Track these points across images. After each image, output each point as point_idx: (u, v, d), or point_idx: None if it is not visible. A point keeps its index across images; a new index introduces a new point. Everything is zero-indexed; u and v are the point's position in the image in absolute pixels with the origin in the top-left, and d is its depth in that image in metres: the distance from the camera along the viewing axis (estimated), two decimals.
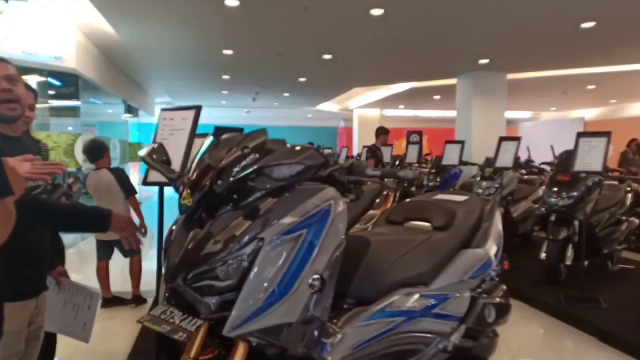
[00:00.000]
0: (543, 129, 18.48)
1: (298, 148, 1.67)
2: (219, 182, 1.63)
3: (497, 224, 2.60)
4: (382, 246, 2.23)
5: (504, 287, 2.73)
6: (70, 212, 1.92)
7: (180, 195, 1.69)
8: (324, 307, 1.73)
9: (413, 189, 7.97)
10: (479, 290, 2.53)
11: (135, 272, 4.74)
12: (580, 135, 4.69)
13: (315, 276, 1.69)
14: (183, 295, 1.62)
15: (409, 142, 10.42)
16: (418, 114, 19.60)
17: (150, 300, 4.75)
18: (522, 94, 13.50)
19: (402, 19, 6.46)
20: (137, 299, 4.74)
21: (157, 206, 2.70)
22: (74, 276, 6.28)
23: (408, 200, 2.86)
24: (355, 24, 6.69)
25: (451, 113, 18.06)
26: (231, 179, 1.62)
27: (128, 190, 4.65)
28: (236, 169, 1.64)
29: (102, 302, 4.57)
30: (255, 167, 1.57)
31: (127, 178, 4.75)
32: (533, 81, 11.39)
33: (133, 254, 4.76)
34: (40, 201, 1.87)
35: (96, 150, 4.69)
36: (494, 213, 2.61)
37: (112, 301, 4.69)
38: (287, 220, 1.64)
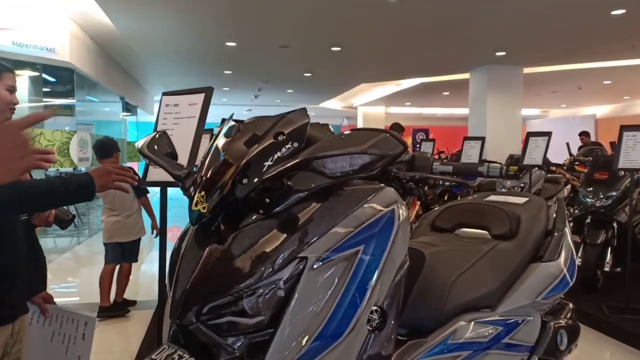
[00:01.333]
0: (552, 126, 18.02)
1: (356, 132, 1.22)
2: (245, 181, 1.19)
3: (569, 232, 2.16)
4: (439, 261, 1.79)
5: (571, 305, 2.30)
6: (48, 191, 1.56)
7: (191, 199, 1.24)
8: (385, 350, 1.29)
9: (426, 188, 7.52)
10: (546, 310, 2.11)
11: (123, 279, 4.44)
12: (623, 128, 4.25)
13: (374, 308, 1.25)
14: (195, 334, 1.19)
15: (421, 140, 9.98)
16: (423, 111, 19.19)
17: (144, 315, 4.30)
18: (534, 90, 13.09)
19: (419, 5, 6.04)
20: (118, 306, 4.40)
21: (159, 210, 2.26)
22: (70, 281, 5.87)
23: (456, 202, 2.41)
24: (369, 11, 6.27)
25: (458, 110, 17.70)
26: (256, 178, 1.19)
27: (140, 190, 4.34)
28: (268, 163, 1.20)
29: (99, 312, 4.25)
30: (300, 159, 1.12)
31: (138, 177, 4.39)
32: (547, 76, 11.01)
33: (131, 260, 4.46)
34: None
35: (106, 149, 4.43)
36: (564, 218, 2.17)
37: (110, 310, 4.32)
38: (338, 232, 1.21)
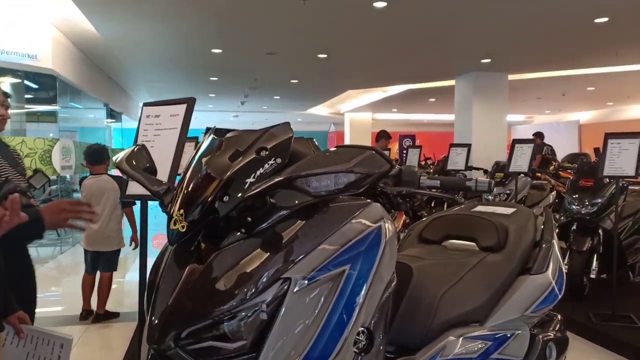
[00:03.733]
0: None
1: (341, 149, 1.18)
2: (226, 198, 1.15)
3: (557, 242, 2.14)
4: (427, 275, 1.75)
5: (559, 316, 2.28)
6: None
7: (170, 216, 1.20)
8: None
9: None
10: (534, 323, 2.08)
11: (104, 289, 4.42)
12: (608, 136, 4.27)
13: (361, 329, 1.21)
14: None
15: (407, 147, 10.00)
16: (410, 117, 19.26)
17: (128, 327, 4.21)
18: (519, 96, 13.20)
19: (406, 13, 6.04)
20: (101, 317, 4.40)
21: (140, 225, 2.20)
22: (53, 290, 5.88)
23: (444, 212, 2.39)
24: (356, 18, 6.26)
25: (444, 116, 17.78)
26: (237, 195, 1.15)
27: (127, 200, 4.32)
28: (250, 180, 1.16)
29: (81, 315, 4.39)
30: (283, 177, 1.08)
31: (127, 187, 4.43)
32: (532, 82, 11.10)
33: (111, 270, 4.46)
34: None
35: (97, 156, 4.51)
36: (552, 229, 2.15)
37: (89, 313, 4.42)
38: (323, 251, 1.16)
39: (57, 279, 6.67)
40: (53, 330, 1.88)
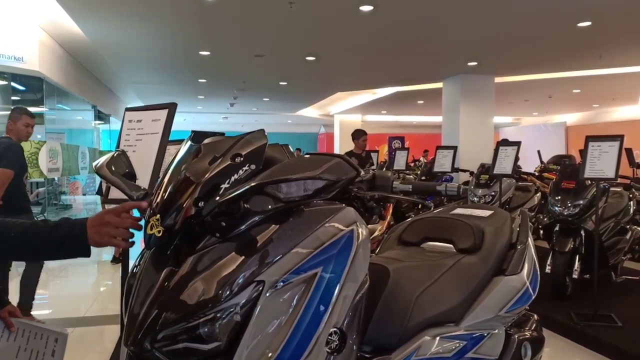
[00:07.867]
0: (525, 134, 18.40)
1: (311, 157, 1.21)
2: (201, 203, 1.18)
3: (532, 244, 2.19)
4: (403, 276, 1.79)
5: (536, 316, 2.34)
6: (25, 234, 1.28)
7: (147, 221, 1.23)
8: None
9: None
10: (510, 323, 2.13)
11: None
12: (589, 139, 4.34)
13: (333, 329, 1.24)
14: None
15: (396, 148, 10.07)
16: (399, 119, 19.37)
17: (114, 330, 4.22)
18: (506, 98, 13.32)
19: (392, 16, 6.10)
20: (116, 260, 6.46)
21: None
22: (41, 292, 5.94)
23: (423, 215, 2.43)
24: (342, 22, 6.30)
25: (433, 118, 17.92)
26: (211, 201, 1.18)
27: None
28: (225, 186, 1.19)
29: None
30: (253, 184, 1.12)
31: (109, 192, 5.54)
32: (519, 85, 11.20)
33: None
34: None
35: None
36: (527, 231, 2.20)
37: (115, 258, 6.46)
38: (297, 254, 1.20)
39: (45, 281, 6.63)
40: (47, 325, 1.87)
